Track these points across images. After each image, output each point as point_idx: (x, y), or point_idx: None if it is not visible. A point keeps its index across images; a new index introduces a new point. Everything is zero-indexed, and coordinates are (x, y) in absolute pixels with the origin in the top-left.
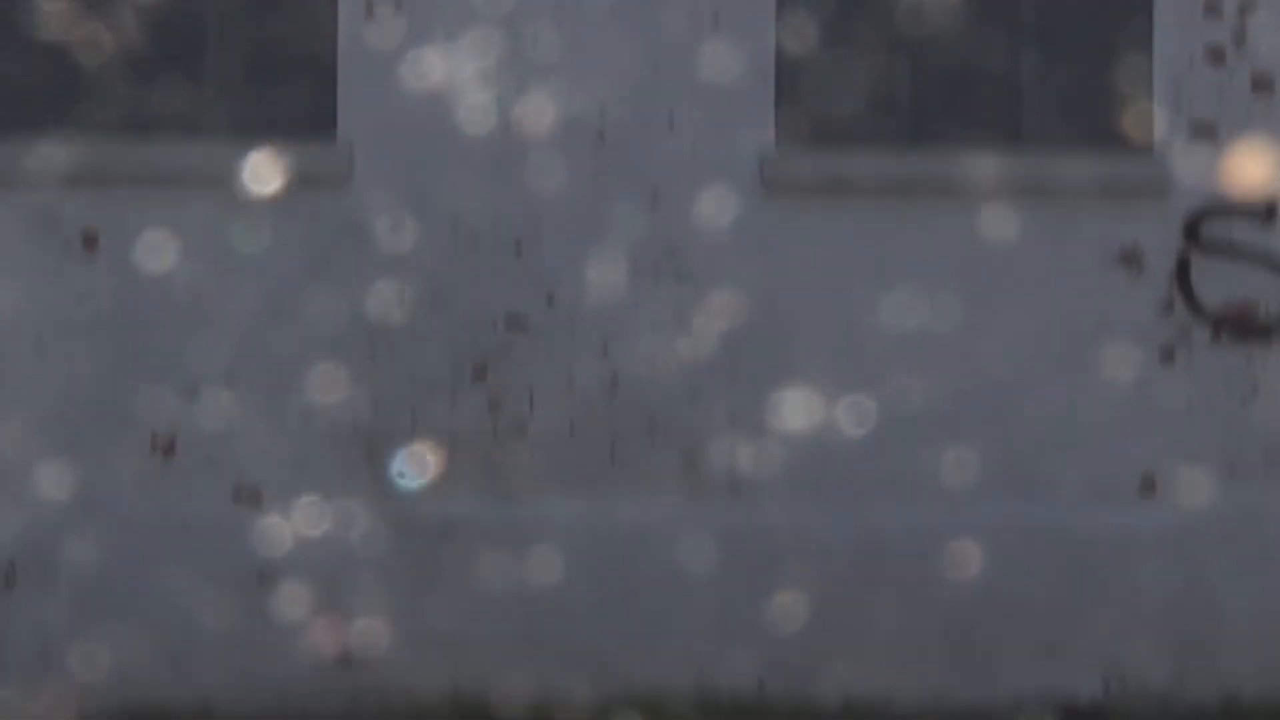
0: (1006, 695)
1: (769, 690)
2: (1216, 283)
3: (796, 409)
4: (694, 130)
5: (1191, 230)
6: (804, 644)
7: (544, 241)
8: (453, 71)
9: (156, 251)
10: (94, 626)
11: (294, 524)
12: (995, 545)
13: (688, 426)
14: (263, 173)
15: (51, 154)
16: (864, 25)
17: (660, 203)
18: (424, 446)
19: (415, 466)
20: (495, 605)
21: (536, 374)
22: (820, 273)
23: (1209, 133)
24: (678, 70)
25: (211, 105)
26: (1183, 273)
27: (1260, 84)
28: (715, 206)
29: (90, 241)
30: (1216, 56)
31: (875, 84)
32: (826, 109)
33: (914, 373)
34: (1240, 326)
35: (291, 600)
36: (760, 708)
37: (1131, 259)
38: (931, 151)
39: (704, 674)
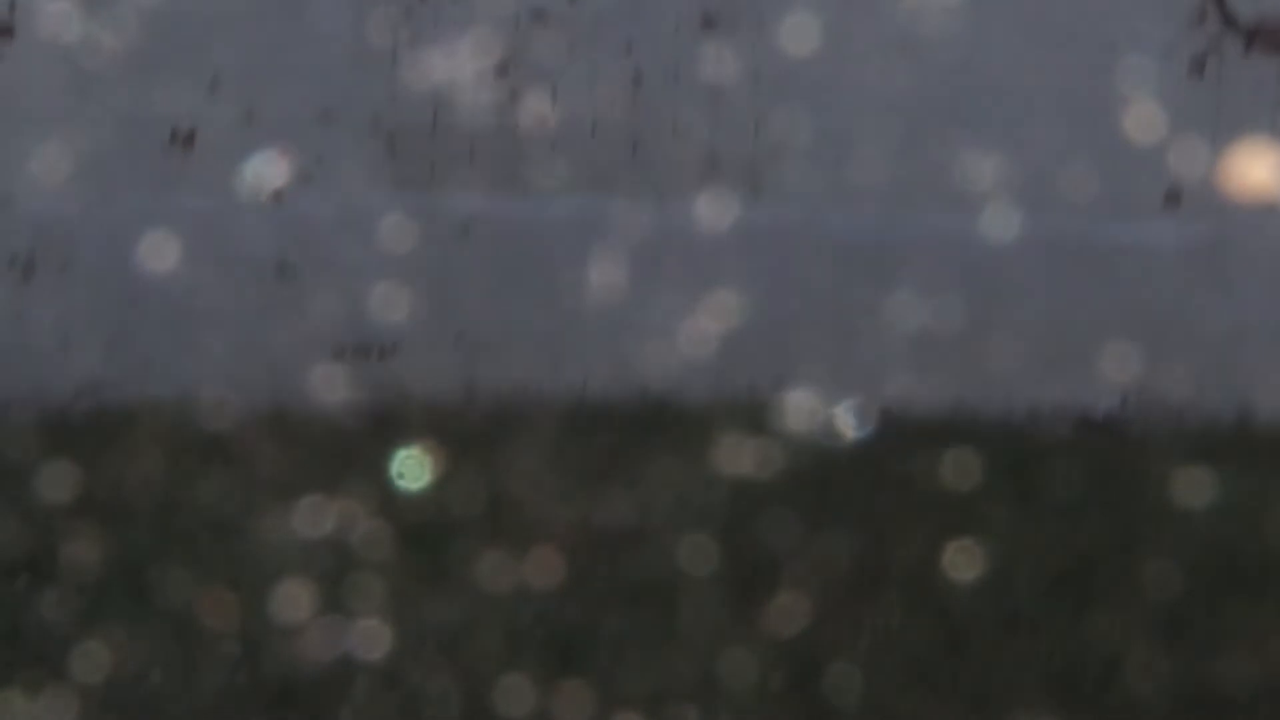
0: (1022, 407)
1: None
2: None
3: (819, 113)
4: None
5: None
6: (821, 345)
7: None
8: None
9: None
10: (111, 316)
11: (315, 217)
12: (1016, 255)
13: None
14: None
15: None
16: None
17: None
18: (422, 450)
19: (414, 469)
20: (514, 299)
21: (558, 70)
22: None
23: None
24: None
25: None
26: None
27: None
28: None
29: None
30: None
31: None
32: None
33: (936, 82)
34: (1274, 39)
35: (311, 292)
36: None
37: None
38: None
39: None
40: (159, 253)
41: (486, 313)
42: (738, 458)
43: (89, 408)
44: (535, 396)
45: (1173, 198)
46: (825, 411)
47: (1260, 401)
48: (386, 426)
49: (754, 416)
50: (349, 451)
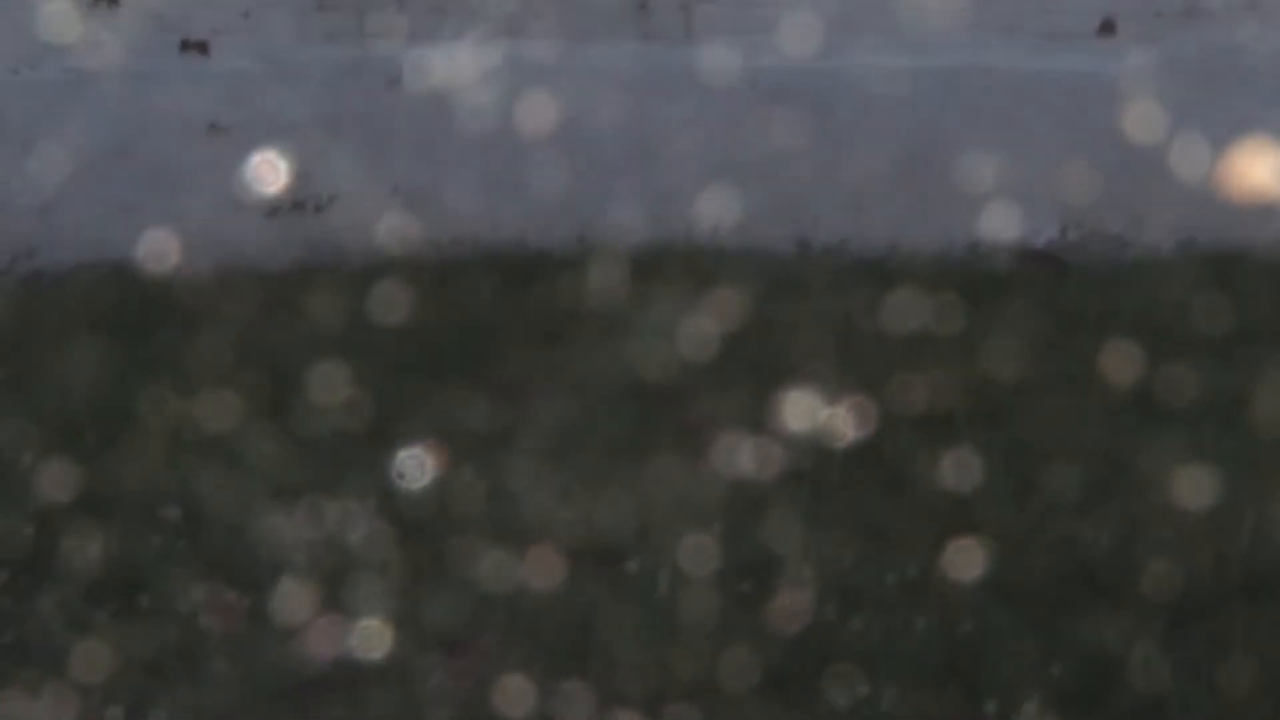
0: (963, 239)
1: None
2: None
3: None
4: None
5: None
6: (762, 188)
7: None
8: None
9: None
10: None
11: (244, 75)
12: (951, 87)
13: None
14: None
15: None
16: None
17: None
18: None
19: (415, 468)
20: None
21: None
22: None
23: None
24: None
25: None
26: None
27: None
28: None
29: None
30: None
31: None
32: None
33: None
34: None
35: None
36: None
37: None
38: None
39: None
40: (87, 114)
41: (420, 164)
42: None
43: (23, 273)
44: (474, 247)
45: (1107, 26)
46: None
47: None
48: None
49: (695, 258)
50: (286, 306)
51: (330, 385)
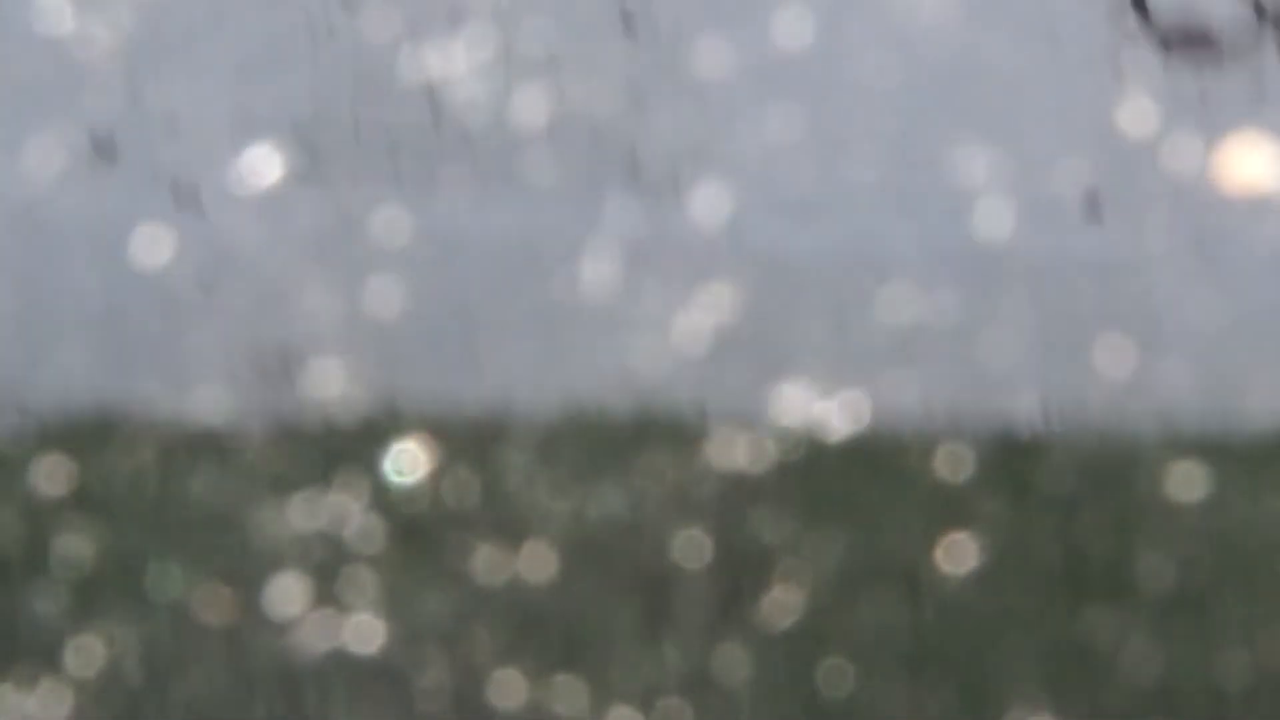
0: (944, 417)
1: (698, 405)
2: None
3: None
4: None
5: None
6: (735, 358)
7: None
8: None
9: None
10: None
11: (234, 223)
12: (931, 266)
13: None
14: None
15: None
16: None
17: None
18: (415, 443)
19: (408, 464)
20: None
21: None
22: None
23: None
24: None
25: None
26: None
27: None
28: None
29: None
30: None
31: None
32: None
33: (853, 86)
34: (1193, 45)
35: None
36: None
37: None
38: None
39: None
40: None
41: (409, 322)
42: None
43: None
44: (455, 408)
45: (1093, 207)
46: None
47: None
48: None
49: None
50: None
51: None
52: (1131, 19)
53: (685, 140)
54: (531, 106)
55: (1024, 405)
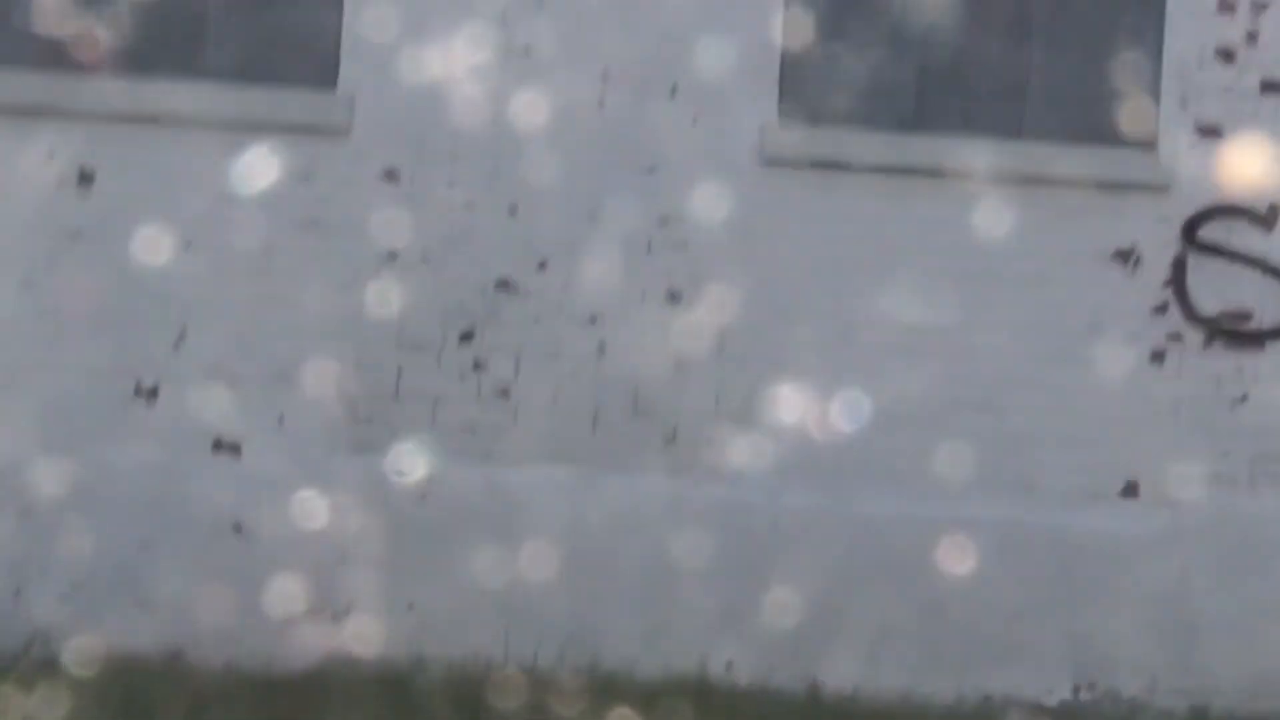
0: (975, 693)
1: (739, 674)
2: (1212, 286)
3: (784, 394)
4: (696, 104)
5: (1190, 231)
6: (778, 631)
7: (539, 208)
8: (450, 59)
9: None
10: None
11: (275, 479)
12: (977, 541)
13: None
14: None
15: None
16: (870, 9)
17: (657, 174)
18: (415, 446)
19: (409, 464)
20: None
21: (524, 340)
22: (815, 256)
23: (1214, 132)
24: (680, 45)
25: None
26: (1179, 274)
27: (1270, 85)
28: (712, 181)
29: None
30: (1226, 55)
31: (878, 68)
32: (829, 90)
33: (902, 363)
34: (1234, 332)
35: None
36: (730, 691)
37: (1128, 257)
38: (930, 138)
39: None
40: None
41: (439, 580)
42: None
43: (40, 656)
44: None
45: (1131, 487)
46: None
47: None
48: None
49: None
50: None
51: None
52: (1176, 311)
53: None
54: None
55: None
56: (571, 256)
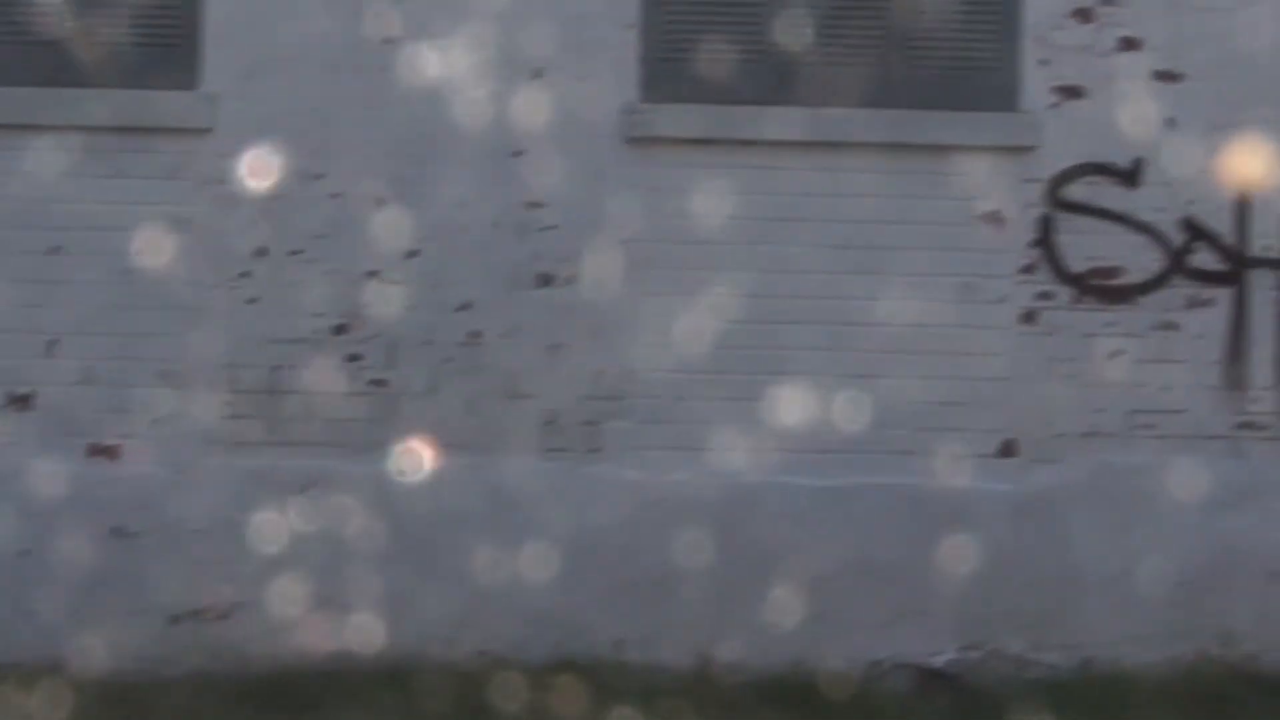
0: (863, 657)
1: (627, 648)
2: (1080, 244)
3: (661, 371)
4: (558, 87)
5: (1055, 190)
6: (658, 605)
7: (406, 198)
8: (313, 53)
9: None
10: None
11: (151, 477)
12: (858, 506)
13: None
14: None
15: None
16: None
17: (523, 159)
18: (420, 444)
19: (411, 463)
20: (354, 557)
21: (399, 330)
22: (685, 233)
23: (1074, 92)
24: (541, 29)
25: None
26: (1046, 233)
27: (1128, 42)
28: (579, 163)
29: None
30: (1084, 15)
31: (739, 43)
32: (691, 67)
33: (775, 334)
34: (1103, 288)
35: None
36: (614, 666)
37: (995, 219)
38: (794, 109)
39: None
40: None
41: (330, 578)
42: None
43: None
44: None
45: (1008, 446)
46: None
47: (1100, 650)
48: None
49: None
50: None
51: None
52: (1045, 270)
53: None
54: None
55: None
56: (441, 244)
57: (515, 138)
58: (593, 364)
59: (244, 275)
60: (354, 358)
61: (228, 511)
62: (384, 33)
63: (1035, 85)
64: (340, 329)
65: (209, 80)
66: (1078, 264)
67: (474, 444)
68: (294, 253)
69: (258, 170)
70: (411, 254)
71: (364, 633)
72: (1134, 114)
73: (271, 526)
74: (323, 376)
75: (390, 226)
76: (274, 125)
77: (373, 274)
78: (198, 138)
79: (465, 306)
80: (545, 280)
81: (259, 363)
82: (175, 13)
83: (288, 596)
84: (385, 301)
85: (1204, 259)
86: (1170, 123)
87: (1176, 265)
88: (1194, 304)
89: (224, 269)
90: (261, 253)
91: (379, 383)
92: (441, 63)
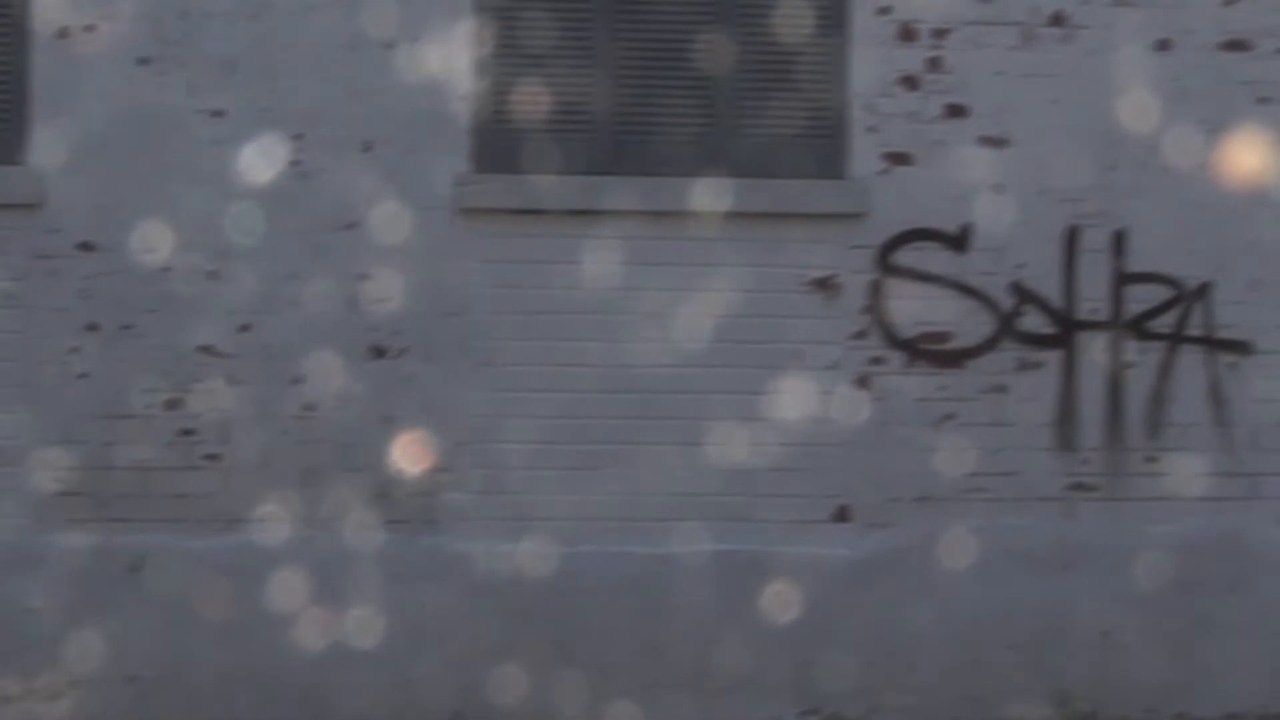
0: None
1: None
2: (910, 309)
3: (493, 443)
4: (390, 160)
5: (885, 256)
6: (494, 677)
7: (239, 271)
8: (140, 125)
9: None
10: None
11: None
12: (694, 573)
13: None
14: None
15: None
16: (559, 57)
17: (355, 231)
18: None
19: (410, 459)
20: (190, 633)
21: (231, 404)
22: (517, 303)
23: (902, 159)
24: (372, 102)
25: None
26: (877, 299)
27: (953, 109)
28: (410, 235)
29: None
30: (910, 82)
31: (569, 114)
32: (521, 139)
33: (604, 397)
34: (934, 352)
35: None
36: None
37: (826, 285)
38: (625, 180)
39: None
40: None
41: (166, 650)
42: None
43: None
44: None
45: (841, 512)
46: None
47: (936, 712)
48: None
49: None
50: None
51: None
52: (876, 335)
53: None
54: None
55: None
56: (274, 317)
57: (347, 210)
58: (427, 436)
59: (74, 350)
60: (187, 432)
61: (60, 589)
62: (213, 105)
63: (863, 152)
64: (173, 404)
65: (36, 155)
66: (908, 329)
67: (309, 517)
68: (125, 327)
69: (87, 244)
70: (244, 328)
71: (198, 712)
72: (961, 180)
73: (105, 604)
74: (155, 452)
75: (222, 300)
76: (103, 199)
77: (205, 348)
78: (27, 213)
79: (299, 380)
80: (379, 352)
81: (91, 439)
82: (2, 88)
83: (124, 673)
84: (218, 375)
85: (1033, 322)
86: (997, 188)
87: (1006, 329)
88: (1024, 367)
89: (54, 344)
90: (92, 328)
91: (213, 457)
92: (272, 134)
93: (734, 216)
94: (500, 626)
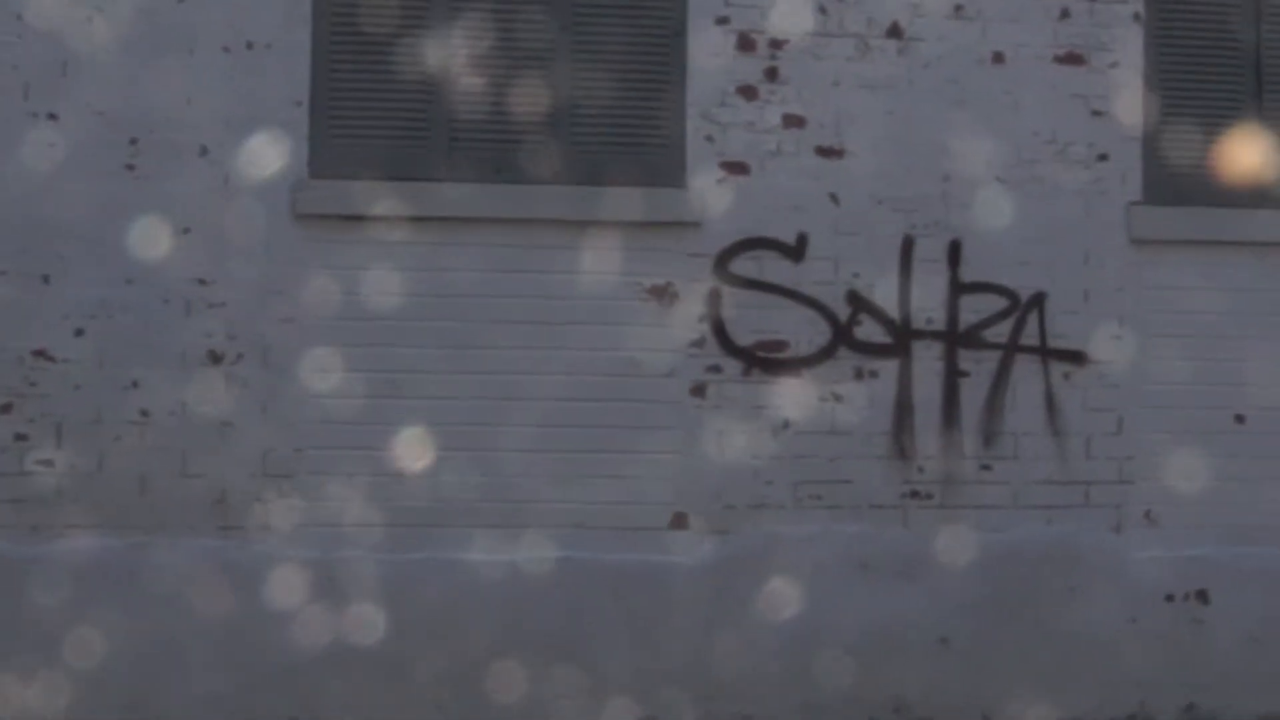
0: None
1: None
2: (747, 318)
3: (336, 449)
4: (226, 165)
5: (722, 265)
6: (329, 684)
7: (73, 276)
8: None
9: None
10: None
11: None
12: (525, 581)
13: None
14: None
15: None
16: (398, 61)
17: (191, 236)
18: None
19: (409, 454)
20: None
21: (65, 410)
22: (355, 310)
23: (740, 168)
24: (208, 107)
25: None
26: (714, 307)
27: (790, 119)
28: (247, 240)
29: None
30: (748, 92)
31: (408, 120)
32: (359, 144)
33: (441, 404)
34: (770, 360)
35: None
36: None
37: (664, 294)
38: (463, 186)
39: (230, 710)
40: None
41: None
42: None
43: None
44: None
45: (679, 519)
46: None
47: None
48: None
49: None
50: None
51: None
52: (713, 343)
53: None
54: None
55: None
56: (108, 322)
57: (183, 214)
58: (262, 442)
59: None
60: (20, 437)
61: None
62: (49, 109)
63: (701, 161)
64: (6, 408)
65: None
66: (745, 337)
67: (144, 523)
68: None
69: None
70: (79, 332)
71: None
72: (798, 189)
73: None
74: None
75: (56, 304)
76: None
77: (39, 353)
78: None
79: (134, 385)
80: (215, 358)
81: None
82: None
83: None
84: (52, 380)
85: (869, 331)
86: (833, 198)
87: (842, 338)
88: (860, 375)
89: None
90: None
91: (46, 463)
92: (108, 137)
93: (572, 224)
94: (333, 634)
